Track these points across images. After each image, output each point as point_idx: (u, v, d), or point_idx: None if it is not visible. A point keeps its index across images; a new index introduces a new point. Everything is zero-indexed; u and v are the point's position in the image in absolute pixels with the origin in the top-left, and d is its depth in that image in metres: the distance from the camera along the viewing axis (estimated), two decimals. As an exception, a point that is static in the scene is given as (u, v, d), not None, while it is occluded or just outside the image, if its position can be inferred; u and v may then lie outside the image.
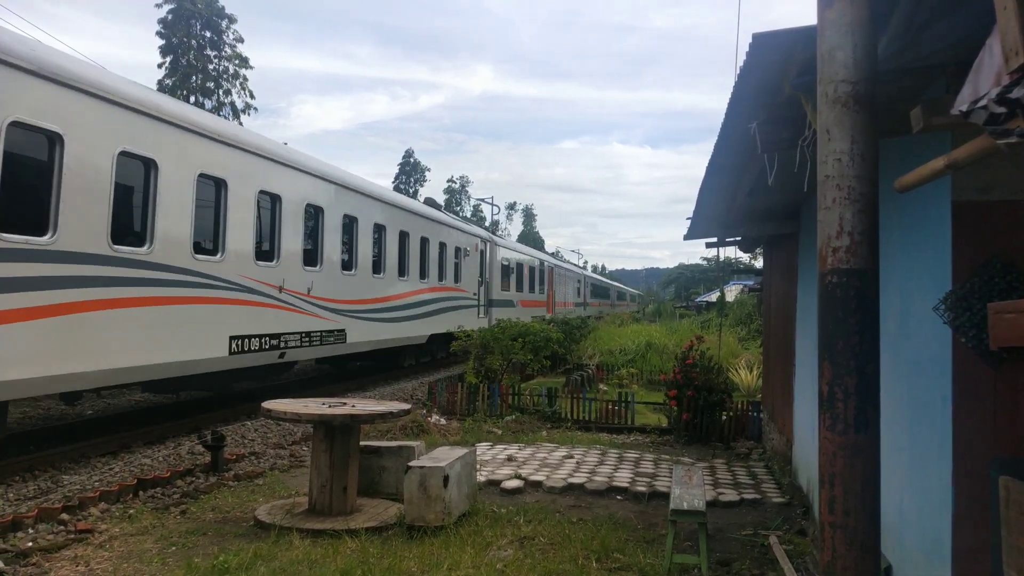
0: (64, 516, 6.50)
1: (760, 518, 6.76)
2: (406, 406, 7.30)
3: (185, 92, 41.62)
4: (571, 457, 9.06)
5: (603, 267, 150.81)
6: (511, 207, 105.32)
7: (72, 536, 6.02)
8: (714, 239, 10.72)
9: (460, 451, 6.76)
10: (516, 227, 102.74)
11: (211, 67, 43.33)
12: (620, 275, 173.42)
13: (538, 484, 7.71)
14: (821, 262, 2.52)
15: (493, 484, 7.71)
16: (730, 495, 7.41)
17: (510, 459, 8.92)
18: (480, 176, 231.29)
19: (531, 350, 16.04)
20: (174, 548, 5.69)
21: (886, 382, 2.83)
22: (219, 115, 41.24)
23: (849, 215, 2.49)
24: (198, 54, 42.68)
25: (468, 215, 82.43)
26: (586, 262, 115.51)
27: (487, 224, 71.87)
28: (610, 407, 12.18)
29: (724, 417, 10.84)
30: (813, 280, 6.90)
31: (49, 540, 5.92)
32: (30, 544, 5.79)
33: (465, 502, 6.46)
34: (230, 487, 7.70)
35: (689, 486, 5.79)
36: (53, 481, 7.81)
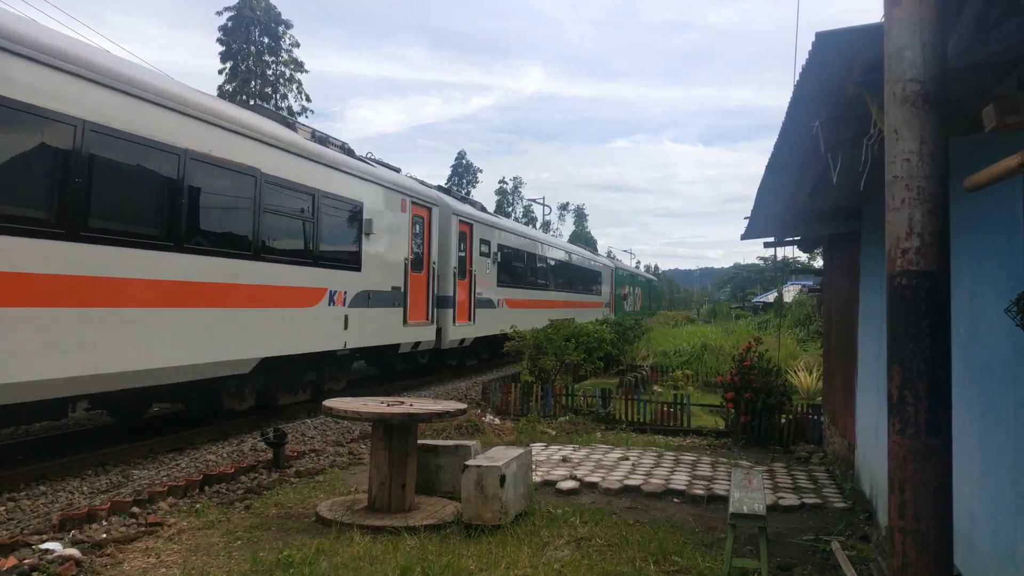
0: (135, 509, 6.75)
1: (821, 523, 6.64)
2: (462, 406, 7.37)
3: (245, 96, 42.71)
4: (626, 459, 9.03)
5: (656, 267, 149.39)
6: (563, 207, 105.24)
7: (143, 529, 6.24)
8: (772, 239, 10.56)
9: (516, 451, 6.80)
10: (568, 227, 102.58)
11: (269, 72, 44.39)
12: (674, 275, 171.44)
13: (593, 485, 7.71)
14: (890, 264, 2.48)
15: (548, 484, 7.74)
16: (790, 499, 7.29)
17: (565, 460, 8.93)
18: (531, 176, 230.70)
19: (584, 351, 16.02)
20: (239, 542, 5.86)
21: (955, 386, 2.77)
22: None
23: (919, 216, 2.45)
24: (257, 59, 43.75)
25: (519, 216, 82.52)
26: (638, 262, 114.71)
27: (538, 224, 71.52)
28: (665, 409, 12.09)
29: (783, 420, 10.66)
30: (876, 281, 6.78)
31: (121, 532, 6.14)
32: (104, 536, 6.02)
33: (521, 502, 6.49)
34: (292, 483, 7.88)
35: (749, 489, 5.72)
36: (123, 476, 8.11)
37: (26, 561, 5.26)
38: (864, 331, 7.68)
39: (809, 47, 3.59)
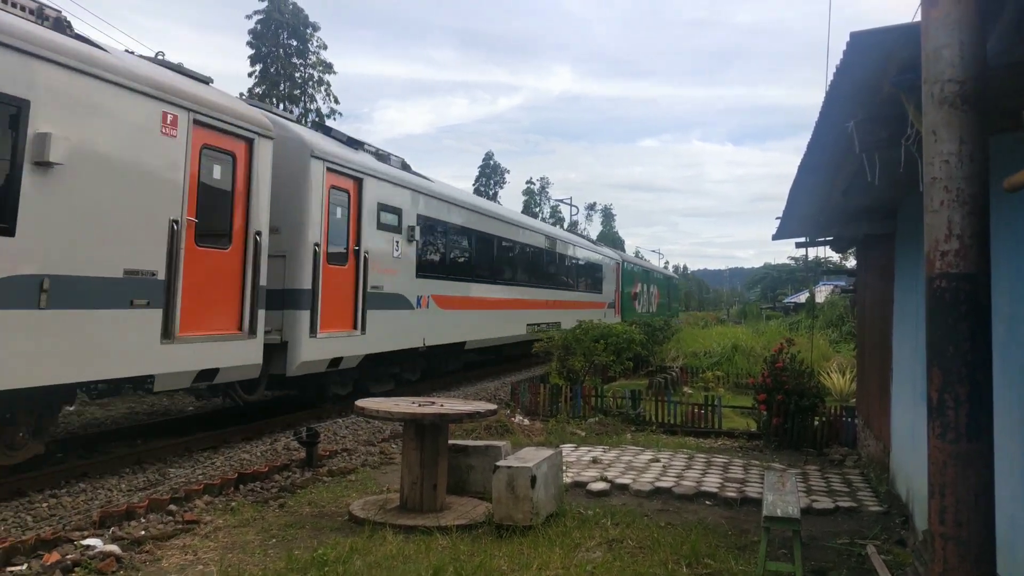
0: (172, 507, 6.88)
1: (856, 527, 6.57)
2: (492, 406, 7.40)
3: (274, 99, 43.20)
4: (657, 461, 9.00)
5: (685, 267, 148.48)
6: (590, 207, 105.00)
7: (180, 526, 6.36)
8: (804, 239, 10.45)
9: (546, 452, 6.81)
10: (595, 227, 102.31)
11: (297, 75, 44.85)
12: (703, 275, 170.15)
13: (624, 487, 7.69)
14: (929, 266, 2.46)
15: (579, 486, 7.74)
16: (824, 502, 7.22)
17: (595, 461, 8.93)
18: (558, 176, 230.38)
19: (613, 351, 15.98)
20: (274, 540, 5.94)
21: (995, 387, 2.74)
22: (304, 121, 42.64)
23: (958, 218, 2.43)
24: (285, 62, 44.23)
25: (547, 216, 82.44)
26: (667, 262, 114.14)
27: (565, 224, 71.26)
28: (696, 410, 12.02)
29: (816, 422, 10.55)
30: (912, 281, 6.68)
31: (159, 529, 6.26)
32: (143, 532, 6.14)
33: (552, 503, 6.51)
34: (324, 482, 7.97)
35: (782, 492, 5.68)
36: (160, 473, 8.25)
37: (68, 557, 5.39)
38: (899, 332, 7.58)
39: (843, 47, 3.57)
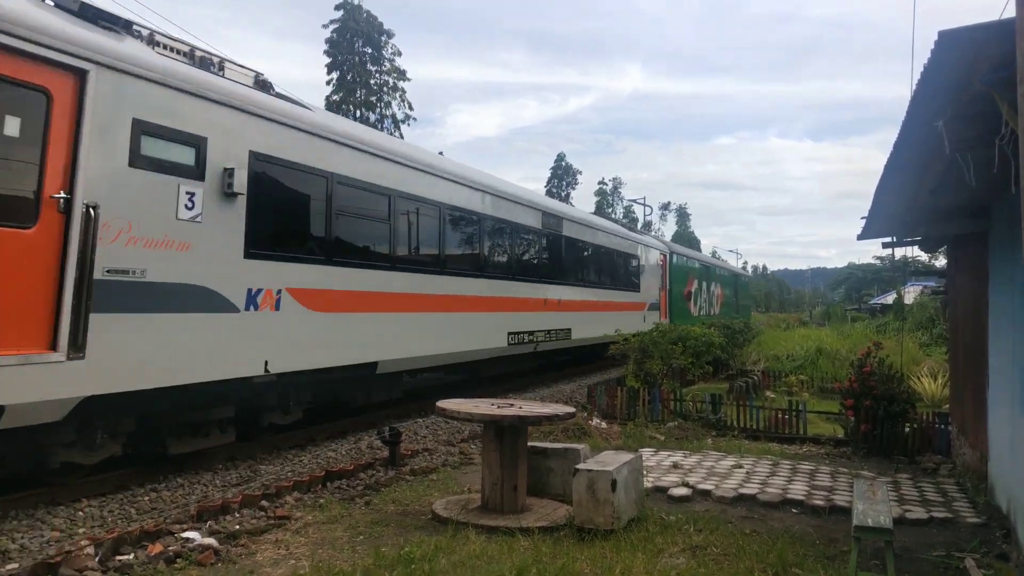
0: (264, 503, 7.18)
1: (952, 539, 6.32)
2: (571, 409, 7.42)
3: (351, 106, 44.28)
4: (740, 467, 8.85)
5: (764, 267, 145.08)
6: (664, 207, 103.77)
7: (272, 521, 6.63)
8: (891, 239, 10.12)
9: (626, 456, 6.80)
10: (670, 227, 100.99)
11: (372, 82, 45.86)
12: (784, 275, 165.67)
13: (707, 493, 7.60)
14: (1030, 272, 2.39)
15: (660, 491, 7.68)
16: (918, 512, 6.97)
17: (675, 466, 8.85)
18: (629, 176, 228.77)
19: (692, 355, 15.76)
20: (361, 537, 6.12)
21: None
22: (380, 127, 43.42)
23: (1062, 221, 2.35)
24: (361, 69, 45.28)
25: (620, 216, 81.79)
26: (745, 263, 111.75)
27: (639, 225, 70.29)
28: (779, 415, 11.76)
29: (907, 429, 10.18)
30: (1008, 283, 6.41)
31: (253, 524, 6.54)
32: (237, 527, 6.43)
33: (633, 507, 6.50)
34: (407, 481, 8.16)
35: (873, 501, 5.53)
36: (251, 470, 8.61)
37: (171, 548, 5.70)
38: (995, 335, 7.27)
39: (930, 45, 3.51)
